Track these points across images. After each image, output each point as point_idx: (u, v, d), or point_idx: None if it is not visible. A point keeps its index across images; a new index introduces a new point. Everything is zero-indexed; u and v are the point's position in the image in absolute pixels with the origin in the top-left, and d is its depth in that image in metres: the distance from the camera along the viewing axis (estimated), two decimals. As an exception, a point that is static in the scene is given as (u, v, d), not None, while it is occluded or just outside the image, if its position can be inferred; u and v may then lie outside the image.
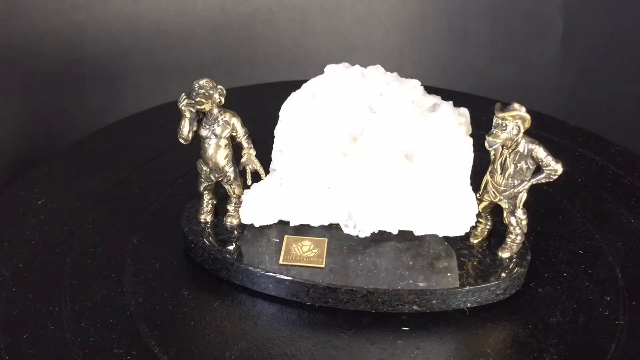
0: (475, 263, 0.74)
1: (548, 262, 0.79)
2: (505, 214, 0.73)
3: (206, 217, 0.79)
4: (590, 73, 1.55)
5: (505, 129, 0.68)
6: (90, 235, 0.81)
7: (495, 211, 0.76)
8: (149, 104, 1.14)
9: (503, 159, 0.70)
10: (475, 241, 0.77)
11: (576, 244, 0.83)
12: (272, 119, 0.77)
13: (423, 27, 1.61)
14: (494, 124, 0.68)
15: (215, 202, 0.80)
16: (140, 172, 0.94)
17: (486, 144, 0.69)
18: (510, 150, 0.69)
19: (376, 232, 0.76)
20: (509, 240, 0.74)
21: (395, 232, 0.75)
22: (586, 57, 1.56)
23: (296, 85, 0.79)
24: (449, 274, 0.72)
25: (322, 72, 0.77)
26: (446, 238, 0.76)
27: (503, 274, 0.72)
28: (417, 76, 0.76)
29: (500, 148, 0.70)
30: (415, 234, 0.75)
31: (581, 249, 0.82)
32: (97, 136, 1.04)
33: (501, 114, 0.67)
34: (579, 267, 0.79)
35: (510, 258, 0.74)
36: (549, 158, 0.69)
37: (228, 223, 0.78)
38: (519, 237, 0.74)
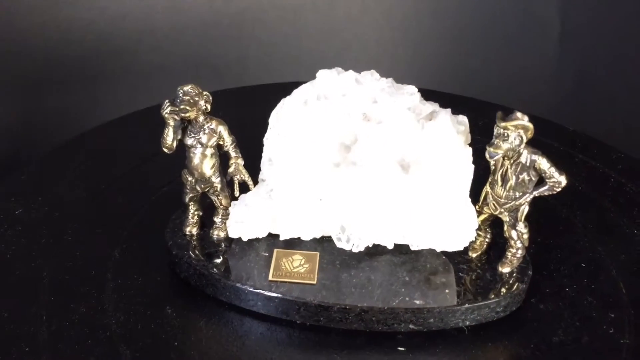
0: (474, 278, 0.71)
1: (549, 276, 0.76)
2: (505, 227, 0.70)
3: (191, 229, 0.75)
4: (588, 74, 1.52)
5: (507, 139, 0.64)
6: (69, 248, 0.77)
7: (494, 223, 0.72)
8: (133, 107, 1.10)
9: (504, 170, 0.67)
10: (474, 255, 0.73)
11: (578, 256, 0.79)
12: (264, 123, 0.73)
13: (417, 27, 1.58)
14: (495, 133, 0.65)
15: (201, 214, 0.76)
16: (123, 180, 0.91)
17: (487, 155, 0.65)
18: (511, 161, 0.66)
19: (370, 246, 0.72)
20: (509, 255, 0.71)
21: (390, 246, 0.71)
22: (584, 58, 1.53)
23: (289, 87, 0.75)
24: (447, 291, 0.69)
25: (314, 74, 0.73)
26: (443, 252, 0.73)
27: (504, 291, 0.69)
28: (411, 77, 0.72)
29: (502, 159, 0.66)
30: (412, 248, 0.72)
31: (583, 261, 0.79)
32: (78, 141, 1.00)
33: (503, 124, 0.64)
34: (581, 281, 0.76)
35: (511, 273, 0.71)
36: (553, 170, 0.65)
37: (215, 236, 0.74)
38: (519, 251, 0.71)
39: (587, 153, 1.02)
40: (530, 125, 0.64)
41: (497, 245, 0.74)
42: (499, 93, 1.49)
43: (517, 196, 0.67)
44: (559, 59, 1.56)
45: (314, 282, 0.69)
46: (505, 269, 0.71)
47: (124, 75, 1.36)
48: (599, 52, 1.51)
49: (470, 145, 0.70)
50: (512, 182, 0.67)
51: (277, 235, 0.74)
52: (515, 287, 0.70)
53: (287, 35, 1.54)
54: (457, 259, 0.73)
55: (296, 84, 0.74)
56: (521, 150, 0.65)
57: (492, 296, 0.68)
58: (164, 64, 1.40)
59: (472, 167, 0.68)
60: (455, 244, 0.70)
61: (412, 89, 0.71)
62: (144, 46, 1.38)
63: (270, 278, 0.69)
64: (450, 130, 0.68)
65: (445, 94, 1.11)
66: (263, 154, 0.73)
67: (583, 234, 0.83)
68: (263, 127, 0.73)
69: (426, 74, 1.60)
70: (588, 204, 0.89)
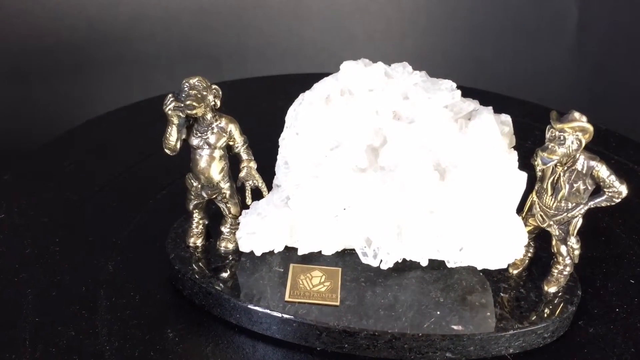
0: (516, 299, 0.63)
1: (596, 295, 0.68)
2: (554, 242, 0.62)
3: (196, 240, 0.67)
4: (607, 67, 1.45)
5: (564, 143, 0.56)
6: (57, 260, 0.69)
7: (537, 236, 0.64)
8: (127, 99, 1.03)
9: (555, 178, 0.59)
10: (515, 271, 0.65)
11: (626, 271, 0.72)
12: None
13: (427, 17, 1.51)
14: (548, 136, 0.57)
15: (207, 223, 0.67)
16: (118, 181, 0.82)
17: (538, 162, 0.57)
18: (565, 168, 0.58)
19: (400, 261, 0.64)
20: (555, 272, 0.63)
21: (424, 263, 0.63)
22: (603, 50, 1.46)
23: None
24: (487, 313, 0.61)
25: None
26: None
27: (551, 314, 0.61)
28: (419, 69, 0.64)
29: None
30: (448, 265, 0.63)
31: (632, 277, 0.71)
32: (67, 137, 0.91)
33: (559, 125, 0.56)
34: (632, 300, 0.68)
35: (557, 292, 0.63)
36: (613, 178, 0.57)
37: (222, 248, 0.66)
38: (567, 268, 0.63)
39: (622, 154, 0.94)
40: (590, 127, 0.56)
41: (540, 260, 0.66)
42: (512, 86, 1.42)
43: (570, 207, 0.59)
44: (576, 50, 1.48)
45: (337, 303, 0.61)
46: (551, 289, 0.63)
47: (116, 66, 1.30)
48: (618, 43, 1.45)
49: (515, 148, 0.61)
50: (564, 191, 0.58)
51: (293, 248, 0.66)
52: (564, 309, 0.62)
53: (289, 24, 1.48)
54: (495, 275, 0.65)
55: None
56: (577, 156, 0.57)
57: (539, 320, 0.60)
58: (159, 53, 1.34)
59: (524, 174, 0.59)
60: (499, 262, 0.62)
61: (450, 84, 0.62)
62: (138, 34, 1.32)
63: (286, 298, 0.61)
64: (494, 132, 0.60)
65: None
66: (278, 157, 0.65)
67: (628, 246, 0.75)
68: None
69: (436, 66, 1.52)
70: (630, 211, 0.81)
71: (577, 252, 0.61)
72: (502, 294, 0.63)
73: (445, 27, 1.52)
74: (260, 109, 1.00)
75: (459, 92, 0.61)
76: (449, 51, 1.53)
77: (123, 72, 1.29)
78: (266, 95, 1.04)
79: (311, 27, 1.48)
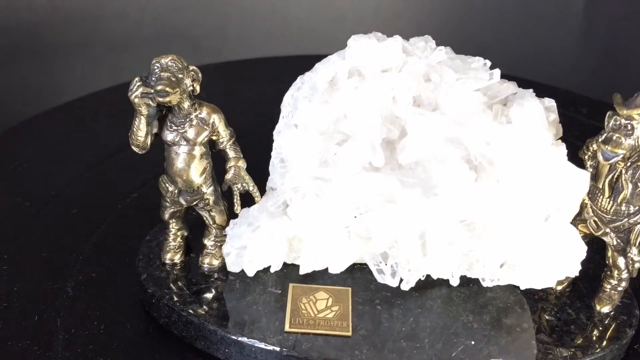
0: (563, 320, 0.52)
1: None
2: (609, 253, 0.51)
3: (173, 256, 0.56)
4: (615, 49, 1.37)
5: (631, 134, 0.45)
6: (4, 281, 0.58)
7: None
8: (93, 86, 0.94)
9: (614, 176, 0.48)
10: (559, 287, 0.54)
11: (679, 281, 0.61)
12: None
13: (424, -4, 1.44)
14: (611, 125, 0.46)
15: (186, 235, 0.57)
16: (79, 183, 0.72)
17: (600, 157, 0.46)
18: (629, 164, 0.47)
19: (422, 278, 0.53)
20: (608, 287, 0.53)
21: (454, 282, 0.52)
22: (611, 32, 1.38)
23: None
24: (529, 341, 0.50)
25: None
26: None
27: (607, 339, 0.51)
28: None
29: (613, 160, 0.47)
30: (484, 284, 0.52)
31: (687, 288, 0.61)
32: (22, 130, 0.81)
33: (626, 111, 0.45)
34: (692, 317, 0.57)
35: (611, 312, 0.53)
36: (690, 176, 0.47)
37: (205, 265, 0.55)
38: (623, 284, 0.53)
39: None
40: (665, 114, 0.45)
41: (587, 273, 0.55)
42: (515, 70, 1.33)
43: (632, 211, 0.49)
44: (582, 32, 1.41)
45: (349, 333, 0.50)
46: (604, 308, 0.53)
47: (81, 48, 1.20)
48: (627, 25, 1.37)
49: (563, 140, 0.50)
50: (627, 192, 0.48)
51: (292, 265, 0.54)
52: (621, 333, 0.51)
53: (273, 3, 1.39)
54: (534, 292, 0.55)
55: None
56: (645, 149, 0.46)
57: (592, 348, 0.50)
58: (130, 33, 1.24)
59: (585, 174, 0.48)
60: (548, 280, 0.51)
61: (482, 62, 0.51)
62: (107, 12, 1.23)
63: (287, 328, 0.50)
64: (540, 120, 0.49)
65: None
66: (272, 153, 0.54)
67: (678, 250, 0.65)
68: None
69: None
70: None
71: (638, 265, 0.51)
72: (545, 316, 0.53)
73: (443, 6, 1.44)
74: (245, 96, 0.89)
75: (497, 71, 0.50)
76: (446, 31, 1.44)
77: (88, 56, 1.19)
78: (251, 80, 0.93)
79: (297, 6, 1.39)
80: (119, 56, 1.22)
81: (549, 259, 0.49)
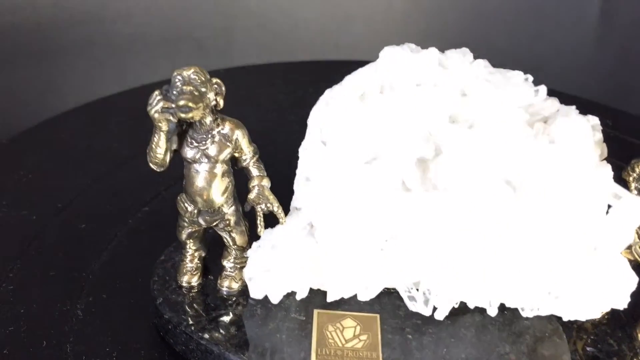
0: (606, 353, 0.49)
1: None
2: (656, 281, 0.48)
3: (190, 278, 0.52)
4: (631, 52, 1.35)
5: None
6: (9, 302, 0.55)
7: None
8: (99, 89, 0.92)
9: (664, 198, 0.45)
10: (599, 315, 0.51)
11: None
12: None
13: (435, -4, 1.44)
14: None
15: (203, 255, 0.53)
16: (88, 195, 0.69)
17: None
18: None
19: (456, 306, 0.50)
20: (651, 316, 0.50)
21: (492, 311, 0.49)
22: (627, 34, 1.36)
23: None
24: (571, 374, 0.47)
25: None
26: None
27: (652, 373, 0.48)
28: None
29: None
30: (523, 314, 0.49)
31: None
32: (26, 137, 0.78)
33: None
34: None
35: (654, 342, 0.50)
36: None
37: (225, 289, 0.52)
38: (668, 312, 0.49)
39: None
40: None
41: (628, 299, 0.52)
42: (527, 72, 1.31)
43: (684, 238, 0.46)
44: (598, 36, 1.39)
45: (379, 364, 0.47)
46: (648, 338, 0.50)
47: (85, 49, 1.19)
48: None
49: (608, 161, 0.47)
50: (679, 217, 0.45)
51: (316, 290, 0.51)
52: (669, 367, 0.48)
53: (280, 4, 1.39)
54: (571, 320, 0.51)
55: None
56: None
57: (638, 382, 0.47)
58: (135, 35, 1.23)
59: (637, 199, 0.45)
60: (593, 311, 0.48)
61: (522, 76, 0.48)
62: (111, 13, 1.22)
63: (313, 359, 0.46)
64: (586, 141, 0.45)
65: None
66: (298, 171, 0.51)
67: None
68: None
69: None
70: None
71: (687, 294, 0.48)
72: (587, 348, 0.49)
73: (453, 8, 1.42)
74: (258, 103, 0.85)
75: (543, 88, 0.47)
76: (457, 34, 1.42)
77: (93, 58, 1.18)
78: (263, 86, 0.90)
79: (305, 7, 1.39)
80: (123, 58, 1.21)
81: (596, 290, 0.46)
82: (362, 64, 0.51)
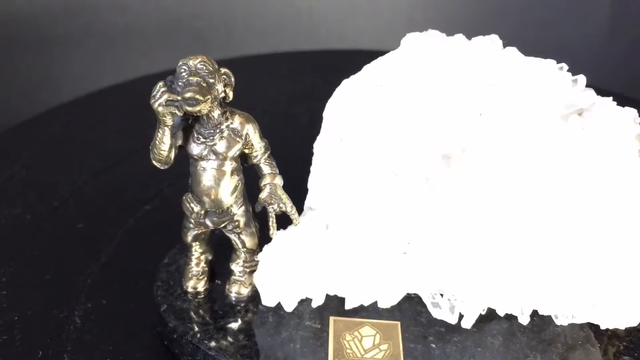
0: (640, 361, 0.46)
1: None
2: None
3: (196, 283, 0.49)
4: None
5: None
6: (3, 308, 0.52)
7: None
8: (95, 80, 0.92)
9: None
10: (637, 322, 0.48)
11: None
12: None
13: (441, -17, 1.41)
14: None
15: (210, 258, 0.50)
16: (85, 193, 0.66)
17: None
18: None
19: (484, 313, 0.46)
20: (690, 323, 0.46)
21: (524, 320, 0.46)
22: (637, 27, 1.32)
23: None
24: (606, 386, 0.44)
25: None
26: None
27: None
28: None
29: None
30: (557, 321, 0.46)
31: None
32: (20, 131, 0.75)
33: None
34: None
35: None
36: None
37: (233, 295, 0.49)
38: None
39: None
40: None
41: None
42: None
43: None
44: (610, 24, 1.35)
45: (402, 377, 0.43)
46: (687, 347, 0.46)
47: (81, 40, 1.16)
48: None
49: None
50: None
51: (337, 297, 0.48)
52: None
53: None
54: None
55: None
56: None
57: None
58: (132, 25, 1.20)
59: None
60: (633, 319, 0.45)
61: (556, 65, 0.45)
62: (107, 2, 1.18)
63: (330, 371, 0.43)
64: (625, 135, 0.42)
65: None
66: (312, 169, 0.48)
67: None
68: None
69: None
70: None
71: None
72: (622, 356, 0.46)
73: None
74: (264, 94, 0.81)
75: (582, 78, 0.43)
76: (465, 24, 1.39)
77: (88, 49, 1.16)
78: (268, 77, 0.86)
79: None
80: (119, 48, 1.18)
81: (636, 297, 0.43)
82: (370, 53, 0.48)
